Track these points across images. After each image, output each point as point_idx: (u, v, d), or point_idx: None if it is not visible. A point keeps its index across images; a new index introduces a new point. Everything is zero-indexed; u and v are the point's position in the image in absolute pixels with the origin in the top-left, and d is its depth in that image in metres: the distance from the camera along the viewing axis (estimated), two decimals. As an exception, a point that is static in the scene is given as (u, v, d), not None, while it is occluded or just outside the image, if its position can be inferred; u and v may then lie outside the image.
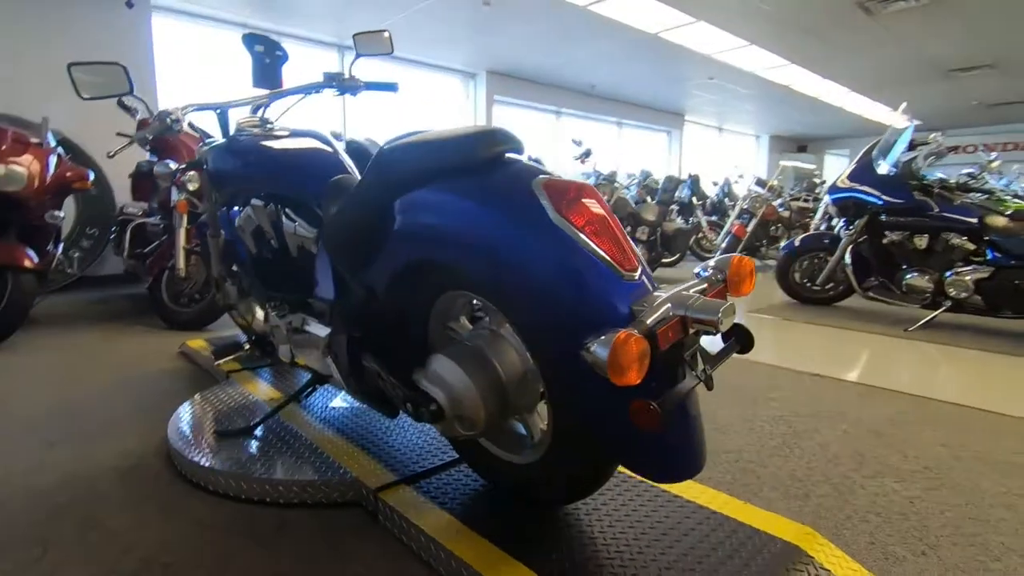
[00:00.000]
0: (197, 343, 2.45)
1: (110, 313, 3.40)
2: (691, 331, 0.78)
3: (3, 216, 2.70)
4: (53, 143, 3.06)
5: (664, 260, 5.44)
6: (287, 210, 1.48)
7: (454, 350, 1.04)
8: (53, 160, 2.90)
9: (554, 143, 8.41)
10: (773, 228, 6.47)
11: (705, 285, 0.86)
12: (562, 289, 0.81)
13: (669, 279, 5.35)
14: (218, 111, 1.62)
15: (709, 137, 11.58)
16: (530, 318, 0.88)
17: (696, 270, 0.92)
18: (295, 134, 1.60)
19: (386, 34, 1.79)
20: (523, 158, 0.98)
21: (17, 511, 1.22)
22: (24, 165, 2.72)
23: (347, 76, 1.78)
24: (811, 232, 4.36)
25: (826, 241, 3.82)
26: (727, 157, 11.73)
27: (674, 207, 5.82)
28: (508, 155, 0.94)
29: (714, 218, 7.44)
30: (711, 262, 0.91)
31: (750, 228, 6.03)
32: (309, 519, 1.20)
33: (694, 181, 7.12)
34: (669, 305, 0.78)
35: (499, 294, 0.92)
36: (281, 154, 1.49)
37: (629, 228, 4.82)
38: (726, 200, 7.64)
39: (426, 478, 1.26)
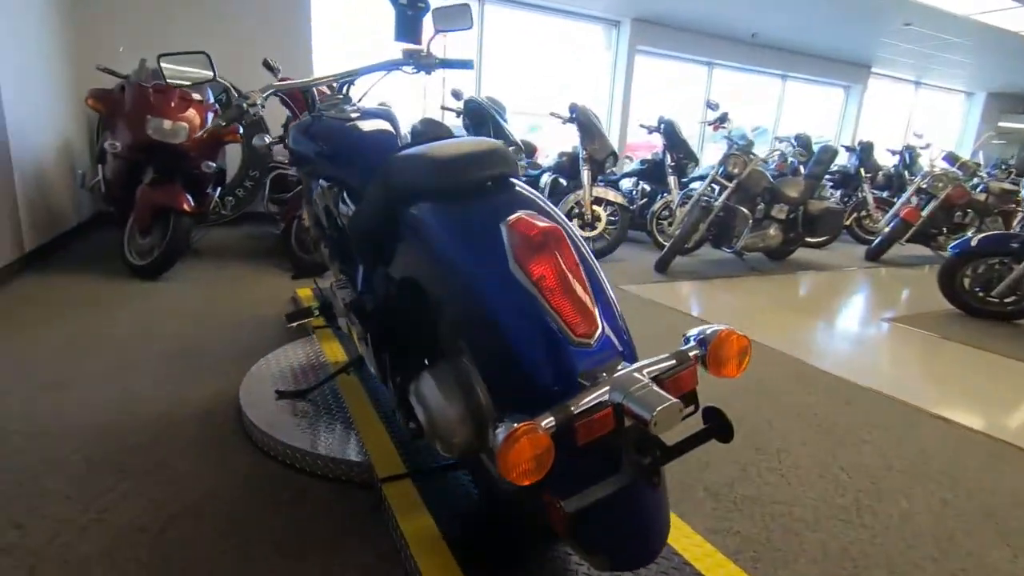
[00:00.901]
0: (305, 292, 2.72)
1: (256, 250, 3.89)
2: (628, 423, 0.68)
3: (170, 164, 3.16)
4: (211, 100, 3.49)
5: (809, 240, 4.83)
6: (344, 191, 1.54)
7: (442, 370, 1.03)
8: (211, 116, 3.32)
9: (695, 100, 7.69)
10: (960, 214, 5.37)
11: (675, 361, 0.74)
12: (509, 344, 0.75)
13: (814, 263, 4.76)
14: (304, 90, 1.71)
15: (902, 94, 9.76)
16: (481, 363, 0.83)
17: (687, 334, 0.79)
18: (365, 114, 1.63)
19: (467, 7, 1.73)
20: (517, 183, 0.90)
21: (122, 434, 1.48)
22: (187, 120, 3.14)
23: (425, 52, 1.76)
24: (999, 232, 3.55)
25: (1014, 245, 3.08)
26: (923, 118, 9.83)
27: (827, 182, 5.07)
28: (505, 179, 0.87)
29: (885, 194, 6.37)
30: (697, 331, 0.78)
31: (925, 212, 5.07)
32: (328, 492, 1.30)
33: (864, 149, 6.10)
34: (607, 388, 0.68)
35: (462, 330, 0.87)
36: (338, 136, 1.53)
37: (762, 205, 4.31)
38: (906, 173, 6.48)
39: (433, 476, 1.29)
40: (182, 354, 2.05)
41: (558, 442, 0.65)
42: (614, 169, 5.33)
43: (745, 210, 4.10)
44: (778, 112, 8.45)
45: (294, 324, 2.17)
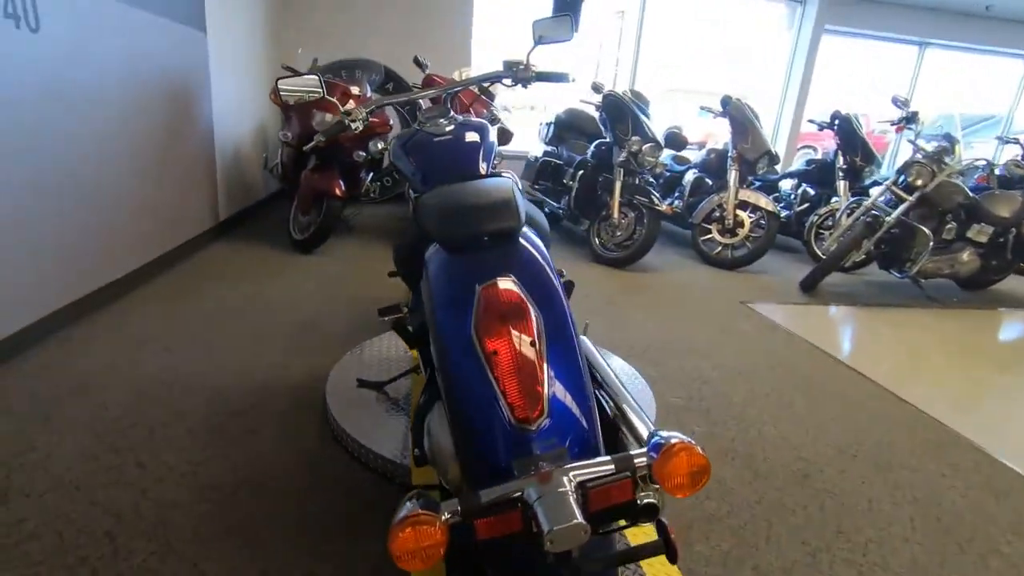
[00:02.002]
0: (421, 280, 2.93)
1: (399, 232, 4.26)
2: (534, 530, 0.63)
3: (329, 154, 3.57)
4: (369, 93, 3.85)
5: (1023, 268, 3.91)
6: None
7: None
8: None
9: (890, 89, 6.51)
10: None
11: (613, 468, 0.66)
12: (458, 407, 0.74)
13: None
14: (405, 106, 1.81)
15: None
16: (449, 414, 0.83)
17: (652, 431, 0.71)
18: (459, 128, 1.68)
19: (568, 18, 1.67)
20: (524, 240, 0.87)
21: (232, 397, 1.76)
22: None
23: (525, 65, 1.75)
24: None
25: None
26: None
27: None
28: (506, 234, 0.86)
29: None
30: (657, 435, 0.69)
31: None
32: (379, 487, 1.42)
33: None
34: (524, 484, 0.64)
35: (440, 377, 0.88)
36: (424, 154, 1.59)
37: (951, 225, 3.56)
38: None
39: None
40: (304, 327, 2.35)
41: (462, 532, 0.63)
42: (776, 168, 4.81)
43: (925, 230, 3.43)
44: (1014, 104, 6.83)
45: (385, 318, 2.36)
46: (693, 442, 0.68)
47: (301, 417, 1.70)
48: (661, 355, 2.39)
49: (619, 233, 3.86)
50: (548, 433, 0.71)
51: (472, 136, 1.61)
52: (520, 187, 1.06)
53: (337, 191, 3.46)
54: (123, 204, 2.56)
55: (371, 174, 4.17)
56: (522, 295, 0.74)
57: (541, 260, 0.86)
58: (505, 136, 4.05)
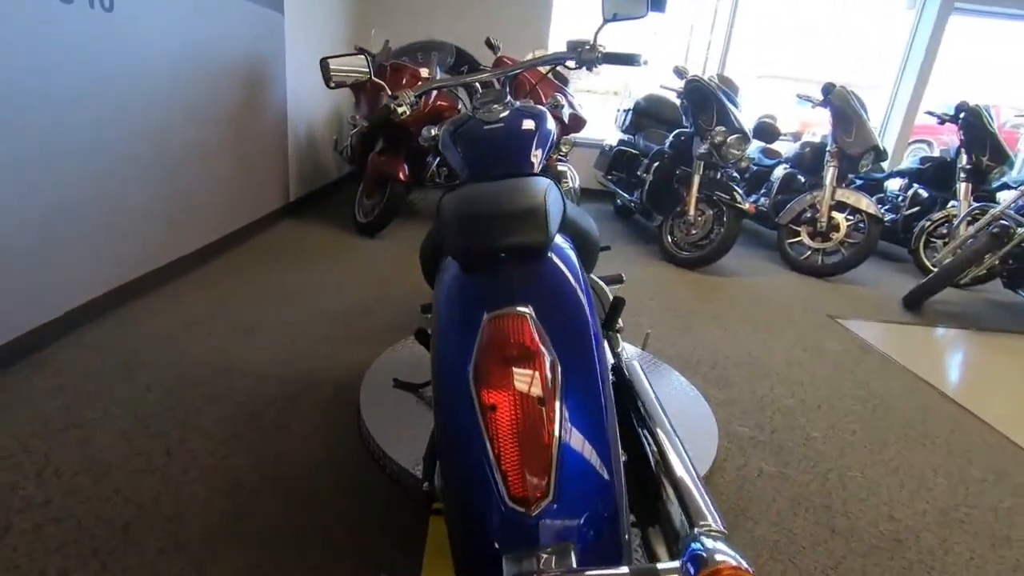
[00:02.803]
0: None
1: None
2: None
3: (395, 136, 3.53)
4: (439, 76, 3.75)
5: None
6: None
7: None
8: (434, 93, 3.58)
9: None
10: None
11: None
12: (446, 470, 0.60)
13: None
14: (460, 87, 1.68)
15: None
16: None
17: (688, 542, 0.53)
18: (514, 115, 1.53)
19: (641, -8, 1.46)
20: (554, 256, 0.72)
21: (270, 386, 1.73)
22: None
23: (591, 45, 1.56)
24: None
25: None
26: None
27: None
28: (528, 251, 0.70)
29: None
30: (696, 544, 0.51)
31: None
32: (395, 502, 1.32)
33: None
34: None
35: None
36: (473, 144, 1.45)
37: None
38: None
39: None
40: (356, 315, 2.31)
41: None
42: (882, 166, 4.29)
43: (1069, 247, 2.90)
44: None
45: (429, 315, 2.26)
46: (744, 563, 0.50)
47: (336, 413, 1.64)
48: (730, 374, 2.14)
49: (694, 231, 3.57)
50: (553, 519, 0.55)
51: (528, 124, 1.45)
52: (561, 191, 0.90)
53: (401, 175, 3.41)
54: (196, 182, 2.62)
55: (437, 159, 4.10)
56: (536, 333, 0.59)
57: (573, 284, 0.70)
58: (578, 123, 3.85)
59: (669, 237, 3.70)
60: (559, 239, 0.85)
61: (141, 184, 2.24)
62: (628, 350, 2.14)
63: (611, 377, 1.16)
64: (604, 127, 5.13)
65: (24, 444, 1.38)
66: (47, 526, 1.16)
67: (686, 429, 1.66)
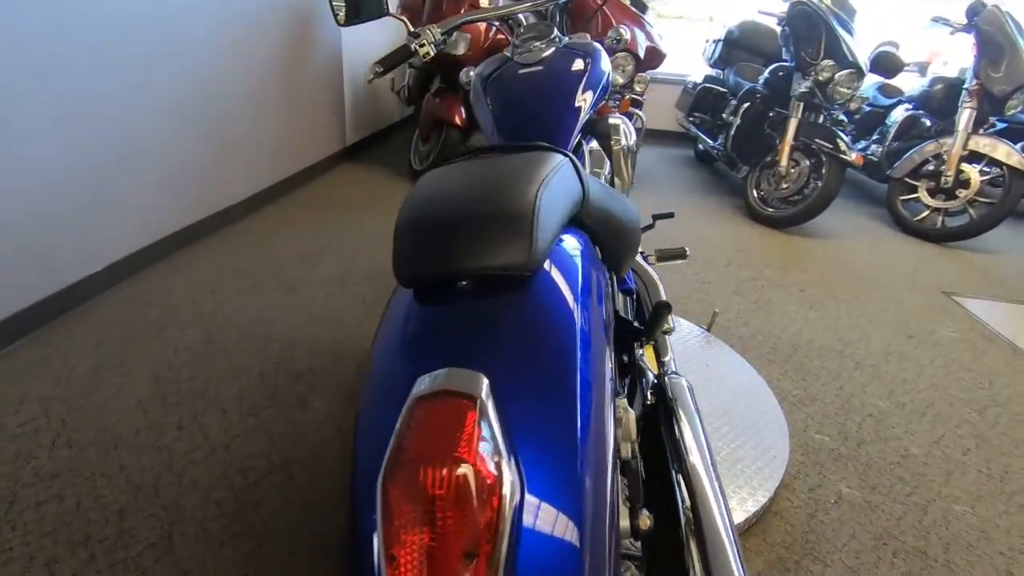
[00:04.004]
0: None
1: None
2: None
3: (453, 75, 3.26)
4: (501, 2, 3.40)
5: None
6: None
7: None
8: (493, 28, 3.24)
9: None
10: None
11: None
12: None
13: None
14: (499, 22, 1.40)
15: None
16: None
17: None
18: (562, 54, 1.24)
19: None
20: (531, 286, 0.48)
21: (295, 357, 1.64)
22: (470, 31, 3.14)
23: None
24: None
25: None
26: None
27: None
28: (500, 276, 0.47)
29: None
30: None
31: None
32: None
33: None
34: None
35: None
36: (502, 92, 1.20)
37: None
38: None
39: None
40: (387, 274, 2.17)
41: None
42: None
43: None
44: None
45: None
46: None
47: (352, 391, 1.53)
48: (812, 364, 1.83)
49: (785, 185, 3.10)
50: None
51: (574, 67, 1.18)
52: (582, 171, 0.64)
53: (457, 119, 3.17)
54: (246, 128, 2.53)
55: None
56: (486, 433, 0.37)
57: (571, 321, 0.46)
58: (655, 57, 3.39)
59: (755, 191, 3.25)
60: (570, 240, 0.62)
61: (187, 131, 2.16)
62: (686, 330, 1.87)
63: (648, 397, 0.93)
64: (696, 60, 4.55)
65: (46, 409, 1.37)
66: (48, 503, 1.13)
67: (748, 435, 1.42)
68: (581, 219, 0.68)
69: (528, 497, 0.39)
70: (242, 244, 2.35)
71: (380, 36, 4.10)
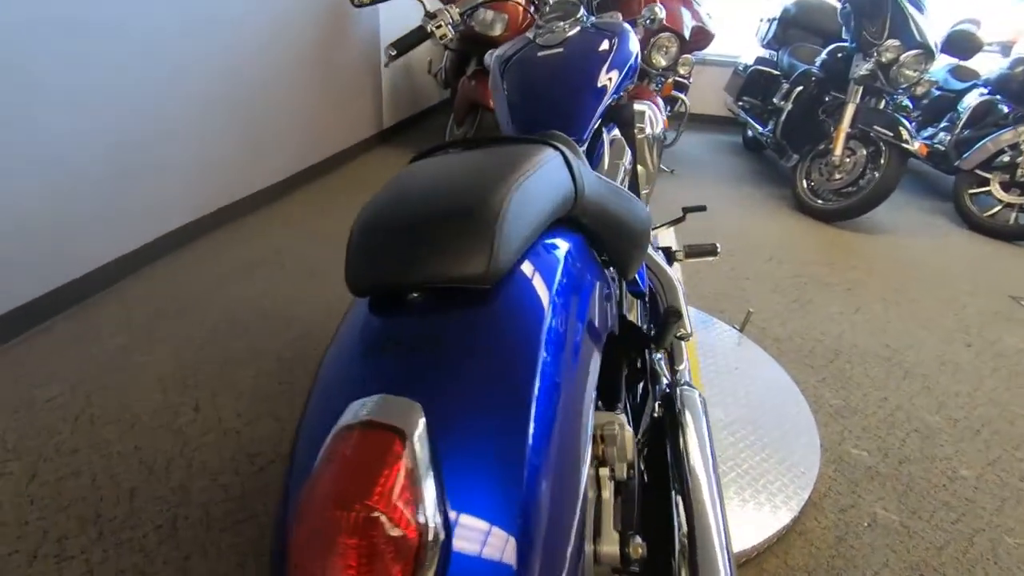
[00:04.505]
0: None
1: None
2: None
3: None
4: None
5: None
6: None
7: None
8: (533, 9, 3.14)
9: None
10: None
11: None
12: None
13: None
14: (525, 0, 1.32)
15: None
16: None
17: None
18: (584, 36, 1.16)
19: None
20: (492, 300, 0.42)
21: (310, 342, 1.64)
22: (507, 12, 3.05)
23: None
24: None
25: None
26: None
27: None
28: (463, 287, 0.42)
29: None
30: None
31: None
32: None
33: None
34: None
35: None
36: (518, 78, 1.13)
37: None
38: None
39: None
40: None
41: None
42: None
43: None
44: None
45: None
46: None
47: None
48: (855, 372, 1.70)
49: (838, 176, 2.90)
50: None
51: (596, 49, 1.10)
52: (574, 161, 0.58)
53: (491, 102, 3.10)
54: (280, 110, 2.55)
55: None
56: (416, 476, 0.32)
57: (521, 355, 0.40)
58: (703, 37, 3.22)
59: (804, 181, 3.06)
60: (556, 242, 0.56)
61: (219, 113, 2.19)
62: (717, 330, 1.76)
63: (656, 409, 0.87)
64: (748, 40, 4.31)
65: (73, 385, 1.42)
66: (66, 480, 1.16)
67: (775, 446, 1.32)
68: (576, 218, 0.62)
69: (460, 545, 0.34)
70: (271, 227, 2.38)
71: (417, 18, 4.06)
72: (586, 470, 0.47)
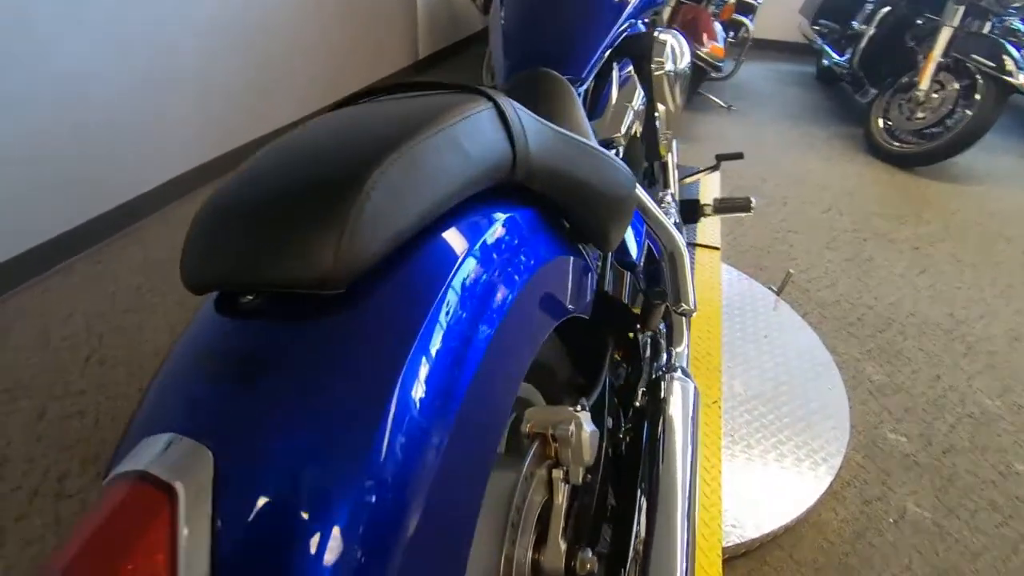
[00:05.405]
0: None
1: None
2: None
3: None
4: None
5: None
6: None
7: None
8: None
9: None
10: None
11: None
12: None
13: None
14: None
15: None
16: None
17: None
18: None
19: None
20: (355, 303, 0.33)
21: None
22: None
23: None
24: None
25: None
26: None
27: None
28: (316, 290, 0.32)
29: None
30: None
31: None
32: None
33: None
34: None
35: None
36: (516, 8, 0.97)
37: None
38: None
39: None
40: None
41: None
42: None
43: None
44: None
45: None
46: None
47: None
48: (907, 344, 1.51)
49: (922, 114, 2.53)
50: None
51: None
52: (511, 109, 0.45)
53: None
54: (304, 41, 2.44)
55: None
56: (181, 556, 0.25)
57: (376, 377, 0.30)
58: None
59: (881, 120, 2.70)
60: (484, 217, 0.45)
61: (235, 44, 2.10)
62: (749, 291, 1.59)
63: (640, 397, 0.77)
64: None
65: (89, 324, 1.45)
66: (72, 419, 1.20)
67: (798, 427, 1.18)
68: (524, 184, 0.51)
69: None
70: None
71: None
72: (480, 492, 0.38)
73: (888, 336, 1.54)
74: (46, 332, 1.42)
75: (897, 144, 2.61)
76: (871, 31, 2.79)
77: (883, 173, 2.54)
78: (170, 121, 1.91)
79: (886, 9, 2.73)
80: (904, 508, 1.09)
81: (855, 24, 3.02)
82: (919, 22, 2.60)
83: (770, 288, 1.60)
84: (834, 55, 3.22)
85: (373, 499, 0.30)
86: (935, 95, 2.47)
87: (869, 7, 2.92)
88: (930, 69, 2.44)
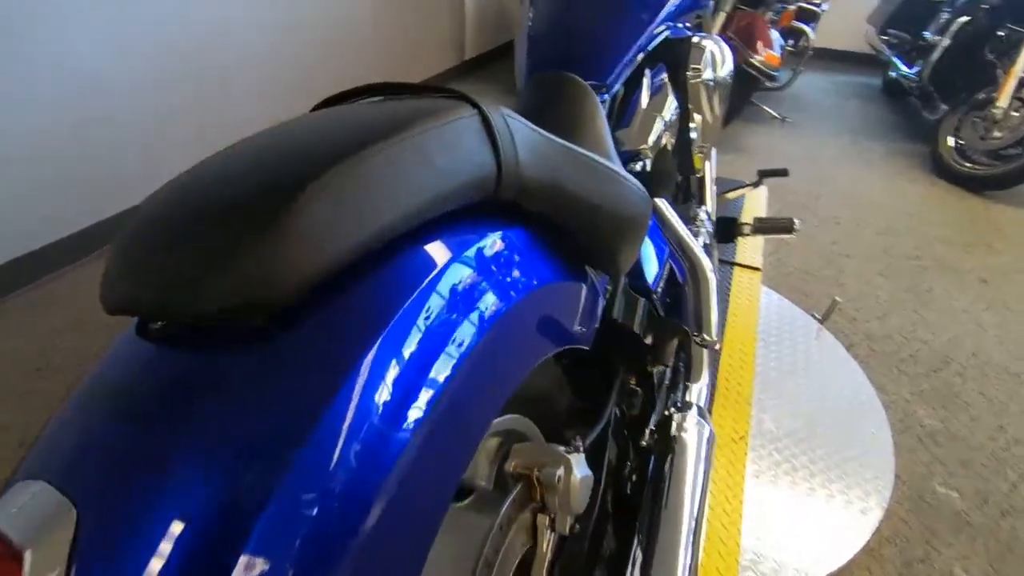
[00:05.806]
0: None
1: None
2: None
3: None
4: None
5: None
6: None
7: None
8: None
9: None
10: None
11: None
12: None
13: None
14: None
15: None
16: None
17: None
18: None
19: None
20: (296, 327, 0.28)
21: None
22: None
23: None
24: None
25: None
26: None
27: None
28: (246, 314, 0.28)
29: None
30: None
31: None
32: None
33: None
34: None
35: None
36: (541, 9, 0.91)
37: None
38: None
39: None
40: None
41: None
42: None
43: None
44: None
45: None
46: None
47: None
48: (966, 388, 1.37)
49: (998, 134, 2.33)
50: None
51: None
52: (498, 118, 0.40)
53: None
54: (347, 38, 2.45)
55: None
56: None
57: (302, 425, 0.25)
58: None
59: (952, 138, 2.50)
60: (457, 239, 0.40)
61: (270, 37, 2.13)
62: (790, 318, 1.47)
63: (647, 435, 0.70)
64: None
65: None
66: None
67: (834, 474, 1.06)
68: (517, 203, 0.45)
69: None
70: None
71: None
72: (426, 544, 0.33)
73: (945, 376, 1.40)
74: (80, 316, 1.45)
75: (968, 165, 2.41)
76: (946, 42, 2.59)
77: (949, 196, 2.35)
78: (210, 112, 1.94)
79: (964, 19, 2.53)
80: (951, 574, 0.98)
81: (928, 35, 2.81)
82: (1000, 34, 2.39)
83: (813, 316, 1.49)
84: (903, 67, 3.02)
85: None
86: (1015, 113, 2.27)
87: (945, 17, 2.71)
88: (1011, 85, 2.24)
